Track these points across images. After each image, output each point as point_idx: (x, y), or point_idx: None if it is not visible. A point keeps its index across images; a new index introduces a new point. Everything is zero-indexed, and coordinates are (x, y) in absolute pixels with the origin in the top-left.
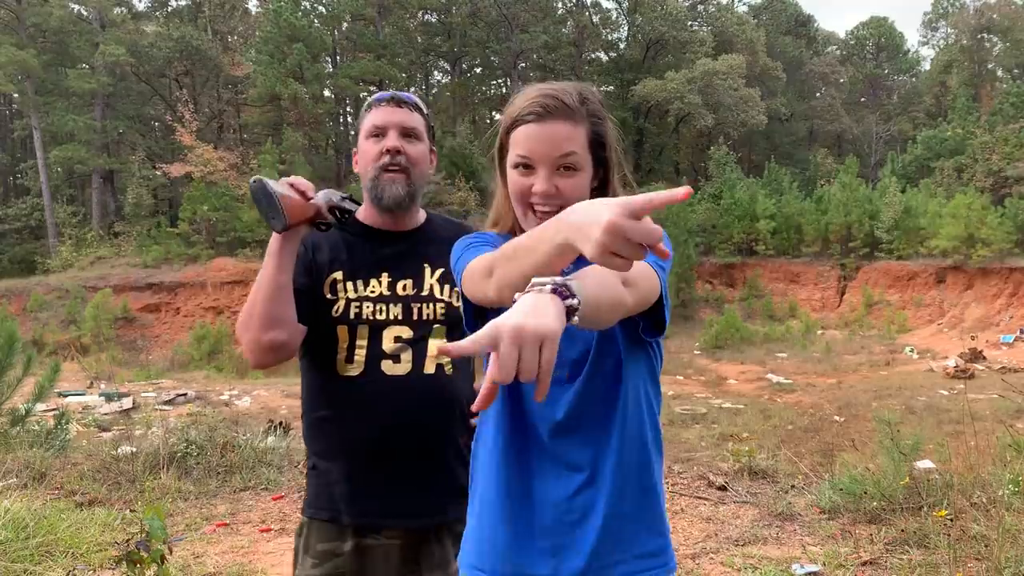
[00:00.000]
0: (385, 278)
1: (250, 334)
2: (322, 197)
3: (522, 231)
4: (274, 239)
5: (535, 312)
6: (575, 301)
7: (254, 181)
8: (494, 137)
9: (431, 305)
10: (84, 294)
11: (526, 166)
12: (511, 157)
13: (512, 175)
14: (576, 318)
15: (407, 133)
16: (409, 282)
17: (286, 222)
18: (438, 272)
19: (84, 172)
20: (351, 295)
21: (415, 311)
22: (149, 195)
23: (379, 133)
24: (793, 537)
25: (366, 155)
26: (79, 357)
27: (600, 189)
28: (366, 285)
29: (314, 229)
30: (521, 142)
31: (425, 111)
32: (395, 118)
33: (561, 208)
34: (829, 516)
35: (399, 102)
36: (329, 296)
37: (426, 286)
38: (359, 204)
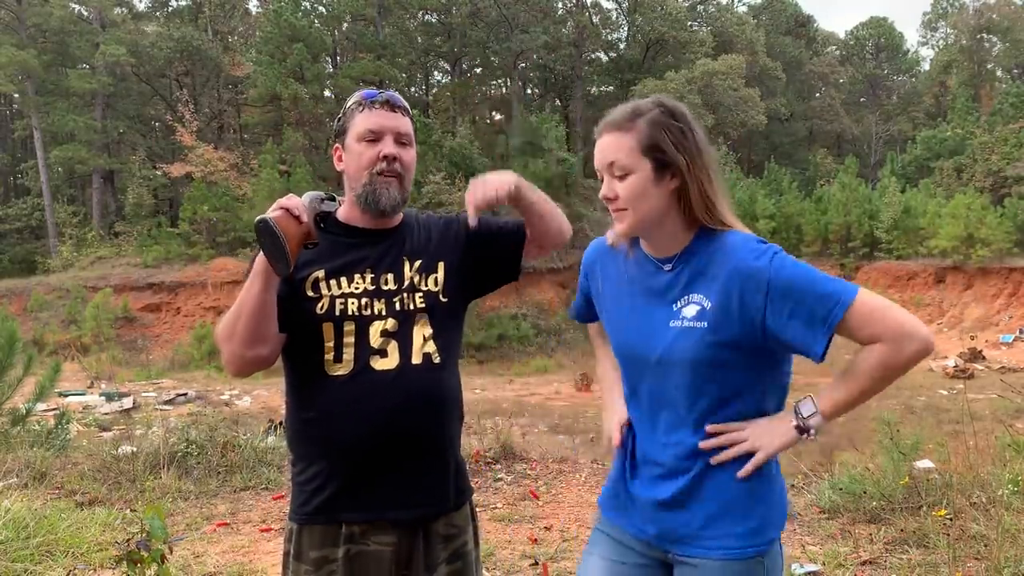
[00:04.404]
0: (368, 274)
1: (232, 347)
2: (307, 207)
3: None
4: (261, 258)
5: None
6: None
7: (259, 221)
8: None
9: (411, 295)
10: (84, 294)
11: (600, 178)
12: None
13: None
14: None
15: (401, 139)
16: (391, 276)
17: (291, 268)
18: (416, 263)
19: (84, 172)
20: (335, 292)
21: (397, 303)
22: (149, 195)
23: (375, 138)
24: (793, 537)
25: (360, 158)
26: (79, 357)
27: (682, 189)
28: (350, 282)
29: (303, 249)
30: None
31: (412, 114)
32: (390, 123)
33: (623, 212)
34: (829, 516)
35: (393, 106)
36: (312, 294)
37: (406, 278)
38: (335, 199)
